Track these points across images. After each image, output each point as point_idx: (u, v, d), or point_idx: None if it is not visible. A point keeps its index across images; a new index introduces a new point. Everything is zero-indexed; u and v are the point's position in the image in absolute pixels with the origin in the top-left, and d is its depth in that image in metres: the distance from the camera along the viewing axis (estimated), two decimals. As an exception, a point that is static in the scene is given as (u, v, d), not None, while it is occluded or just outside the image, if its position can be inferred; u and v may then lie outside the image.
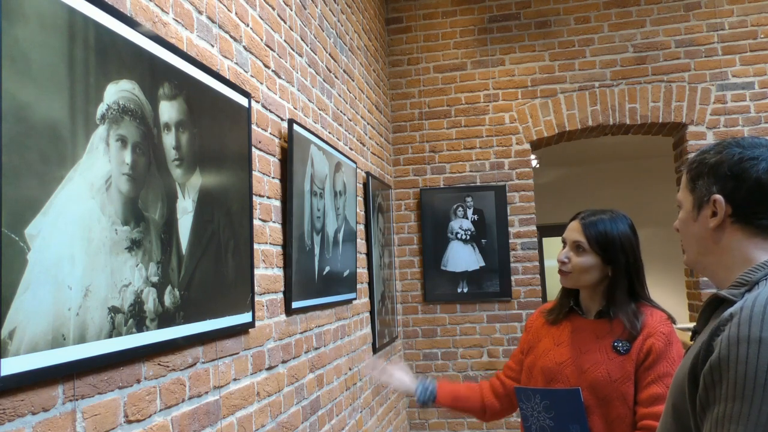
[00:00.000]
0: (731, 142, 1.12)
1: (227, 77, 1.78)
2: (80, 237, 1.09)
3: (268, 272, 2.00)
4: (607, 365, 1.75)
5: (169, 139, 1.41)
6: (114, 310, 1.17)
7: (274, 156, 2.11)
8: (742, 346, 0.90)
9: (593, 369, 1.77)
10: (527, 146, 4.21)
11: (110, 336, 1.16)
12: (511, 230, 4.20)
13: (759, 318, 0.91)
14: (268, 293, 2.00)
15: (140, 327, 1.25)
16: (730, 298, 1.02)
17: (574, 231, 1.88)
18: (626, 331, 1.77)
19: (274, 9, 2.20)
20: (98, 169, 1.15)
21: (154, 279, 1.31)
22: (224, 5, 1.80)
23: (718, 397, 0.92)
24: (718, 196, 1.07)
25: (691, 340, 1.14)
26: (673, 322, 1.81)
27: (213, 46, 1.72)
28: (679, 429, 1.04)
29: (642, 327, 1.76)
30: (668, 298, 6.42)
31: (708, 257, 1.13)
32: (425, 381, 1.99)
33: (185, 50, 1.56)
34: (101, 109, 1.17)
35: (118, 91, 1.22)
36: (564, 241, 1.92)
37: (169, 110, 1.41)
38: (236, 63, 1.86)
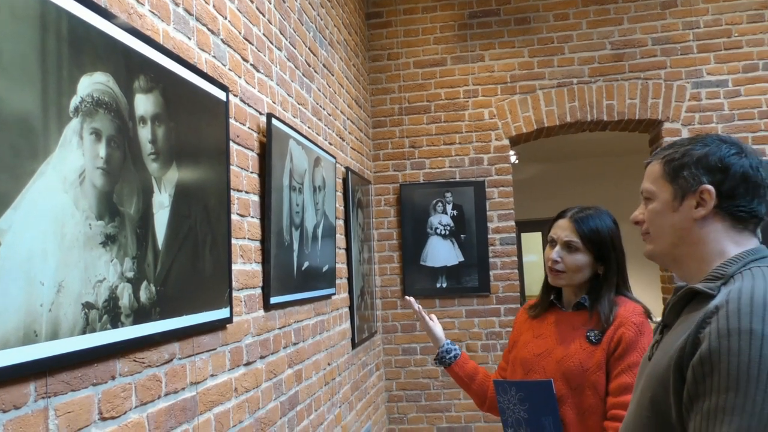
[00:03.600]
0: (712, 136, 1.15)
1: (205, 70, 1.76)
2: (53, 232, 1.08)
3: (246, 267, 1.99)
4: (579, 355, 1.78)
5: (144, 133, 1.39)
6: (88, 306, 1.15)
7: (252, 150, 2.10)
8: (733, 337, 0.91)
9: (567, 359, 1.79)
10: (506, 142, 4.24)
11: (84, 332, 1.14)
12: (490, 225, 4.22)
13: (747, 310, 0.93)
14: (246, 288, 1.99)
15: (115, 323, 1.24)
16: (707, 292, 1.03)
17: (565, 229, 1.87)
18: (601, 322, 1.79)
19: (252, 2, 2.18)
20: (71, 162, 1.13)
21: (130, 274, 1.30)
22: (201, -3, 1.78)
23: (708, 389, 0.92)
24: (709, 187, 1.09)
25: (660, 333, 1.15)
26: (648, 315, 1.83)
27: (190, 38, 1.70)
28: (658, 422, 1.03)
29: (614, 317, 1.78)
30: (643, 293, 6.50)
31: (681, 248, 1.14)
32: (452, 343, 2.13)
33: (161, 43, 1.53)
34: (74, 101, 1.15)
35: (92, 83, 1.20)
36: (552, 240, 1.90)
37: (144, 103, 1.39)
38: (214, 56, 1.84)
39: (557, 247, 1.86)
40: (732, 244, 1.09)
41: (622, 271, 1.87)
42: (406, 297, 2.21)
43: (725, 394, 0.90)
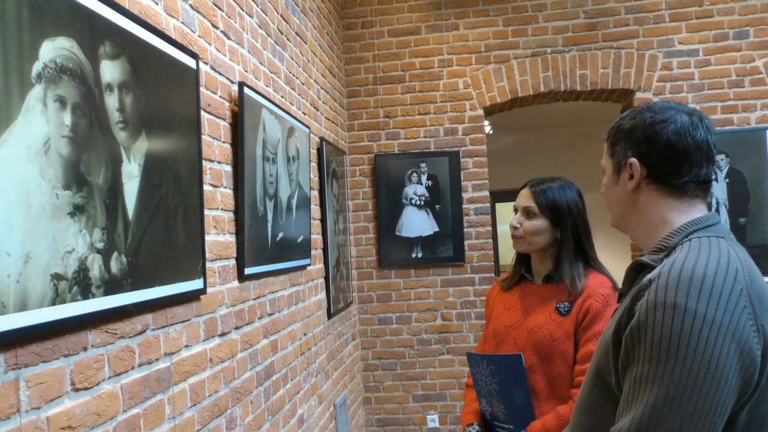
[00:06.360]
0: (644, 107, 1.19)
1: (173, 37, 1.72)
2: (18, 202, 1.05)
3: (219, 238, 1.97)
4: (549, 326, 1.84)
5: (112, 101, 1.35)
6: (57, 277, 1.14)
7: (224, 120, 2.06)
8: (659, 311, 0.96)
9: (537, 329, 1.85)
10: (481, 112, 4.24)
11: (54, 303, 1.12)
12: (465, 195, 4.24)
13: (674, 284, 0.97)
14: (220, 259, 1.98)
15: (85, 294, 1.22)
16: (650, 264, 1.09)
17: (524, 197, 1.96)
18: (569, 293, 1.85)
19: (221, -34, 2.12)
20: (36, 131, 1.10)
21: (99, 245, 1.28)
22: (168, -39, 1.73)
23: (636, 358, 0.98)
24: (634, 159, 1.15)
25: (618, 302, 1.20)
26: (616, 287, 1.88)
27: (157, 4, 1.65)
28: (601, 388, 1.10)
29: (583, 289, 1.84)
30: (615, 261, 6.63)
31: (628, 218, 1.20)
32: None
33: (127, 7, 1.49)
34: (37, 67, 1.11)
35: (55, 48, 1.17)
36: (515, 209, 1.99)
37: (111, 70, 1.35)
38: (182, 22, 1.79)
39: (517, 214, 1.97)
40: (674, 212, 1.13)
41: (583, 237, 1.91)
42: None
43: (648, 364, 0.96)
